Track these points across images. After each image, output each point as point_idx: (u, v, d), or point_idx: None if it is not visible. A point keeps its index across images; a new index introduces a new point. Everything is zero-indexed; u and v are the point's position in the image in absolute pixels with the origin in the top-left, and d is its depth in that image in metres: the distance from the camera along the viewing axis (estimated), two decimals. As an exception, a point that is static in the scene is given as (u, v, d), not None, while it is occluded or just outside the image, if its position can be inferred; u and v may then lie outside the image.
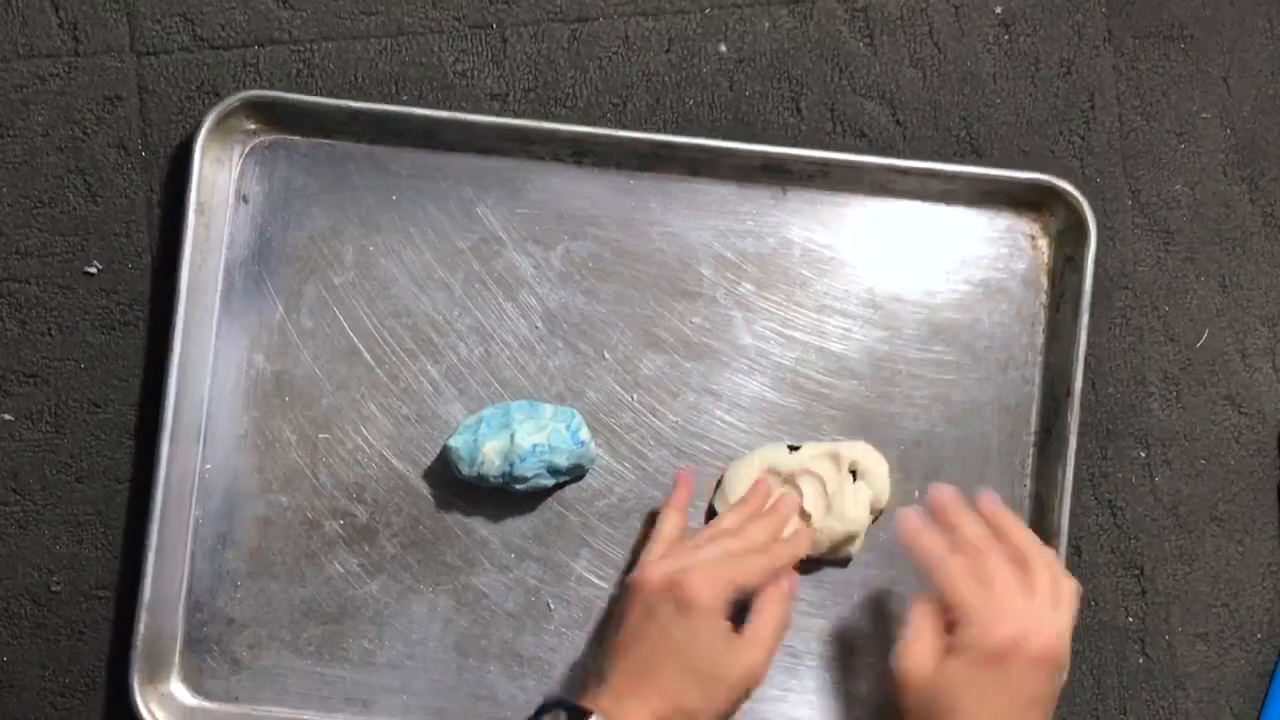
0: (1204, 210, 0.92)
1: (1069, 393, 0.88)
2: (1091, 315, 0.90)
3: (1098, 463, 0.91)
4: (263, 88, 0.89)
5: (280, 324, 0.88)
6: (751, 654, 0.80)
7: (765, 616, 0.81)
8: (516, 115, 0.90)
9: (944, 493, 0.84)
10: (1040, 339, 0.90)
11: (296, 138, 0.89)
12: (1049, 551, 0.82)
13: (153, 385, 0.88)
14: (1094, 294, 0.88)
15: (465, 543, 0.88)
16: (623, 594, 0.84)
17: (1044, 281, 0.91)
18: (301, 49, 0.90)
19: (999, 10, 0.92)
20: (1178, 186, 0.92)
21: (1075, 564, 0.90)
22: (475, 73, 0.90)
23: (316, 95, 0.88)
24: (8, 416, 0.89)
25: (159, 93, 0.89)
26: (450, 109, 0.89)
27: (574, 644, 0.88)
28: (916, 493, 0.89)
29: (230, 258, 0.88)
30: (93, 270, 0.89)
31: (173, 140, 0.89)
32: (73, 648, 0.89)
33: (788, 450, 0.88)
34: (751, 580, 0.82)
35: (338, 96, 0.89)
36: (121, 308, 0.89)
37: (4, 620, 0.89)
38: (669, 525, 0.85)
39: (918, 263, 0.90)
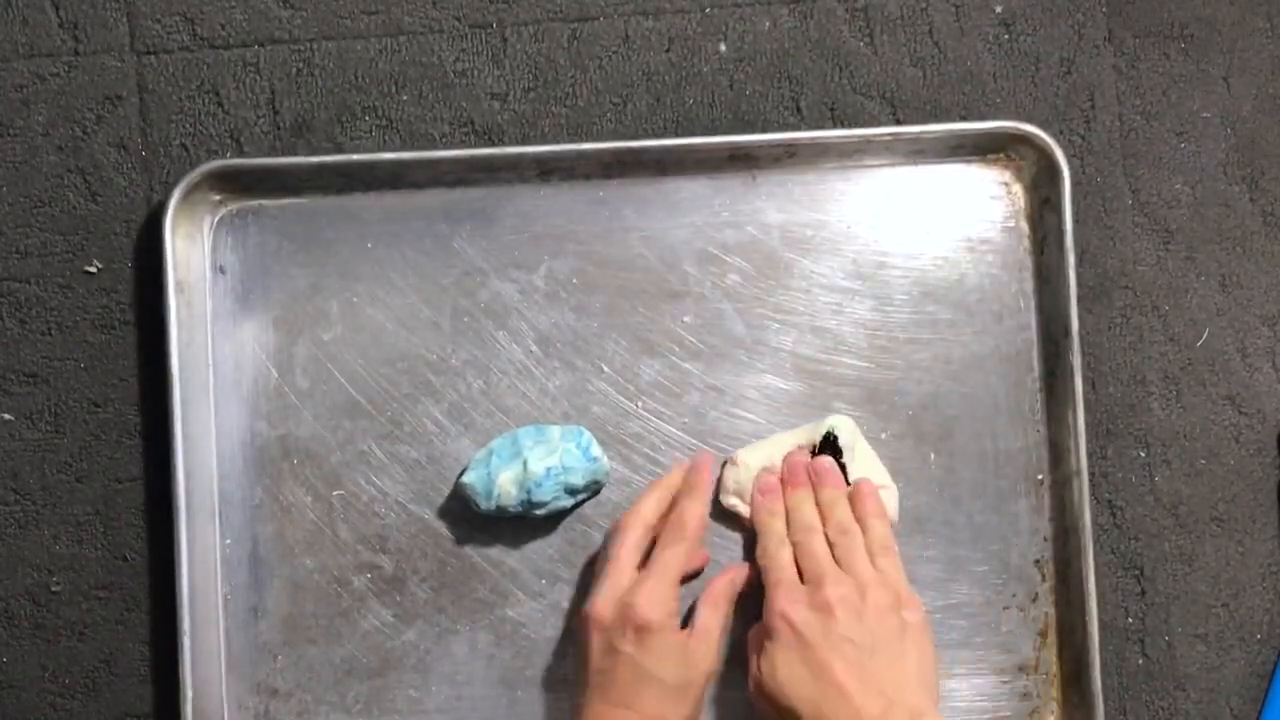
0: (1204, 210, 0.92)
1: (1067, 332, 0.87)
2: (1091, 313, 0.90)
3: (1098, 463, 0.91)
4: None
5: (277, 388, 0.88)
6: (704, 651, 0.82)
7: (705, 614, 0.83)
8: (516, 114, 0.90)
9: (796, 470, 0.87)
10: (1030, 284, 0.90)
11: (263, 200, 0.88)
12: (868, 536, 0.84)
13: (153, 387, 0.88)
14: (1075, 234, 0.87)
15: (494, 576, 0.88)
16: (579, 629, 0.83)
17: (1024, 227, 0.90)
18: (301, 48, 0.90)
19: (999, 9, 0.92)
20: (1178, 186, 0.92)
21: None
22: (475, 72, 0.90)
23: (279, 156, 0.88)
24: (8, 416, 0.89)
25: (159, 92, 0.89)
26: (450, 108, 0.89)
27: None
28: (932, 454, 0.89)
29: (216, 331, 0.88)
30: (93, 270, 0.89)
31: (173, 140, 0.89)
32: (73, 648, 0.89)
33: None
34: (683, 568, 0.83)
35: (338, 95, 0.89)
36: (122, 307, 0.89)
37: (4, 620, 0.89)
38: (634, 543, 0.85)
39: (897, 226, 0.90)
